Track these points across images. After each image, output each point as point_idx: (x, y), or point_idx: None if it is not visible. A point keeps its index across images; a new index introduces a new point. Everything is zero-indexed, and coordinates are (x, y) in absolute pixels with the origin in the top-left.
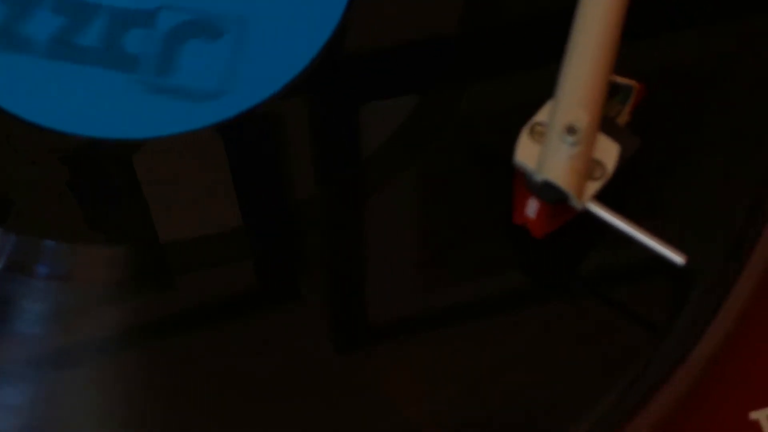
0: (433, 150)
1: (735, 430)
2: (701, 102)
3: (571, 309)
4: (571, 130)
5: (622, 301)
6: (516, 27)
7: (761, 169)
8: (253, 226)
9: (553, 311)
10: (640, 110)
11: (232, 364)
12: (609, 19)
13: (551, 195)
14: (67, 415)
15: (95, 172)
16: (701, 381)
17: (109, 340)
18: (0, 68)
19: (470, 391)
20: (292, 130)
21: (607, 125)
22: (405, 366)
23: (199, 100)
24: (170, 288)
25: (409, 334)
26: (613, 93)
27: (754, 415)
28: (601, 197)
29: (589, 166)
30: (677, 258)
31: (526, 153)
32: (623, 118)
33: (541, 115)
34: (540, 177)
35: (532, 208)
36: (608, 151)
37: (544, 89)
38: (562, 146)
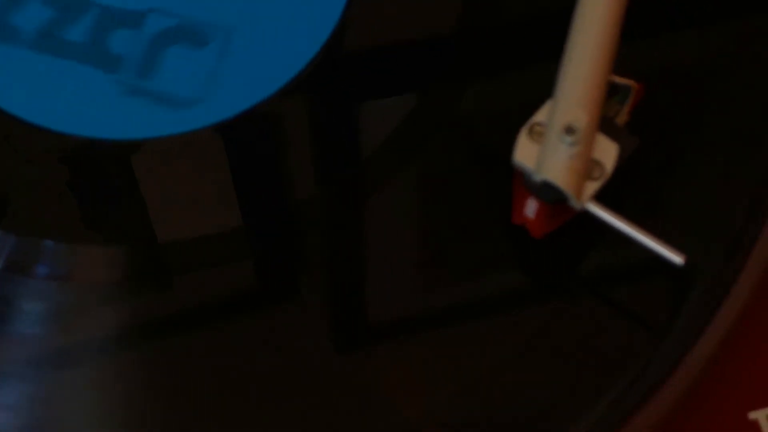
0: (433, 150)
1: (734, 429)
2: (700, 102)
3: (570, 309)
4: (569, 130)
5: (621, 301)
6: (515, 26)
7: (760, 169)
8: (253, 226)
9: (552, 311)
10: (638, 110)
11: (231, 364)
12: (608, 19)
13: (550, 195)
14: (66, 415)
15: (94, 172)
16: (700, 381)
17: (109, 340)
18: None
19: (470, 391)
20: (291, 130)
21: (605, 125)
22: (405, 366)
23: (175, 107)
24: (169, 288)
25: (409, 334)
26: (611, 93)
27: (753, 415)
28: (600, 197)
29: (588, 166)
30: (676, 258)
31: (525, 153)
32: (622, 118)
33: (540, 115)
34: (539, 177)
35: (531, 208)
36: (607, 151)
37: (544, 89)
38: (561, 146)
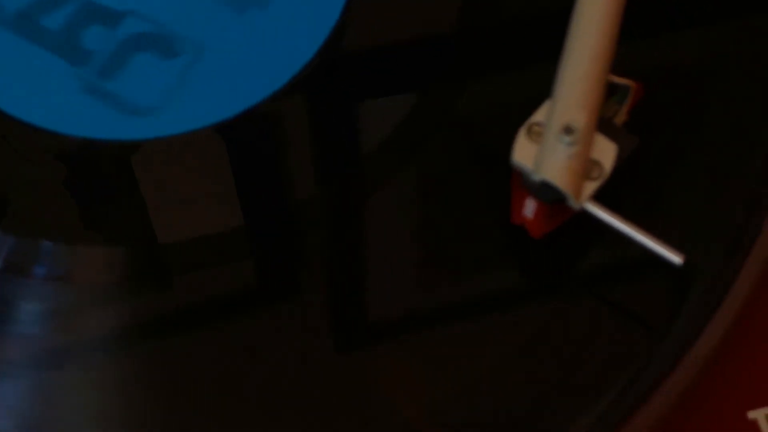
0: (432, 150)
1: (733, 429)
2: (699, 101)
3: (569, 309)
4: (568, 130)
5: (620, 301)
6: (515, 26)
7: (759, 169)
8: (253, 226)
9: (552, 311)
10: (637, 110)
11: (231, 364)
12: (606, 19)
13: (549, 195)
14: (66, 416)
15: (93, 172)
16: (699, 380)
17: (109, 340)
18: None
19: (470, 391)
20: (291, 130)
21: (604, 125)
22: (405, 366)
23: (127, 112)
24: (169, 288)
25: (409, 334)
26: (610, 93)
27: (752, 414)
28: (599, 197)
29: (587, 166)
30: (675, 258)
31: (523, 153)
32: (621, 118)
33: (539, 115)
34: (537, 177)
35: (529, 208)
36: (606, 151)
37: (544, 88)
38: (559, 146)
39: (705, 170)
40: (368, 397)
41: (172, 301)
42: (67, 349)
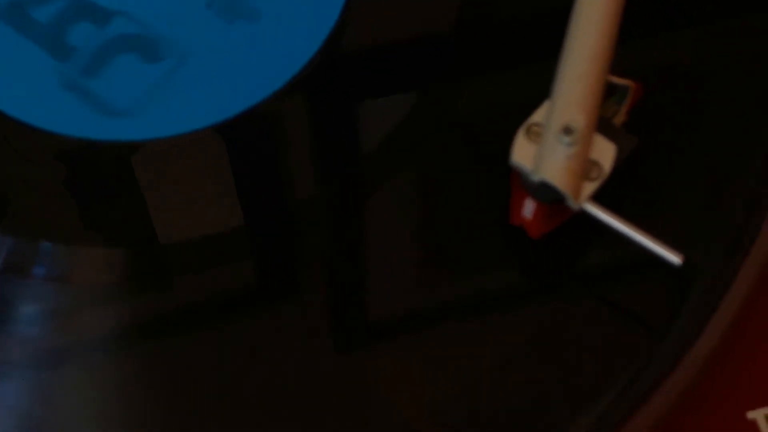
0: (432, 149)
1: (732, 429)
2: (697, 102)
3: (568, 309)
4: (567, 130)
5: (619, 301)
6: (514, 25)
7: (758, 169)
8: (253, 226)
9: (551, 311)
10: (636, 110)
11: (231, 364)
12: (605, 20)
13: (548, 195)
14: (65, 416)
15: (93, 173)
16: (699, 380)
17: (109, 341)
18: None
19: (470, 390)
20: (291, 130)
21: (603, 125)
22: (405, 366)
23: (102, 113)
24: (169, 288)
25: (409, 333)
26: (609, 93)
27: (752, 414)
28: (598, 197)
29: (586, 167)
30: (674, 258)
31: (522, 153)
32: (620, 119)
33: (538, 116)
34: (537, 177)
35: (528, 208)
36: (605, 152)
37: (543, 88)
38: (558, 147)
39: (704, 170)
40: (368, 397)
41: (172, 301)
42: (67, 349)
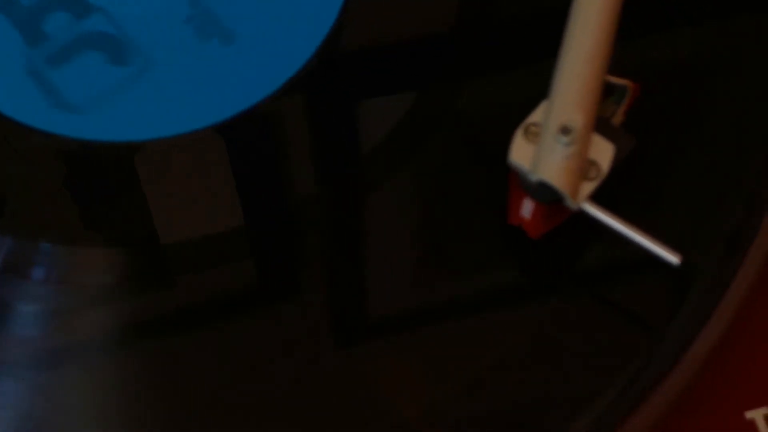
0: (431, 149)
1: (731, 429)
2: (696, 101)
3: (567, 309)
4: (565, 130)
5: (618, 301)
6: (514, 25)
7: (756, 169)
8: (253, 226)
9: (550, 311)
10: (634, 110)
11: (231, 364)
12: (603, 19)
13: (546, 195)
14: (67, 416)
15: (93, 173)
16: (697, 380)
17: (109, 341)
18: None
19: (470, 390)
20: (290, 130)
21: (602, 125)
22: (405, 366)
23: (53, 104)
24: (169, 288)
25: (408, 333)
26: (607, 93)
27: (750, 414)
28: (597, 197)
29: (584, 167)
30: (672, 258)
31: (520, 153)
32: (618, 118)
33: (536, 116)
34: (535, 177)
35: (527, 208)
36: (603, 152)
37: (542, 88)
38: (556, 146)
39: (702, 170)
40: (368, 397)
41: (172, 301)
42: (67, 349)
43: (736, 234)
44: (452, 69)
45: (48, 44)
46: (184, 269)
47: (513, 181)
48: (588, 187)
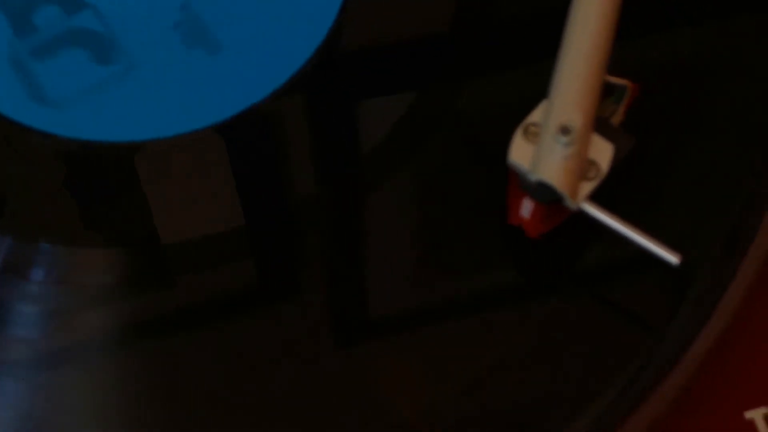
0: (431, 149)
1: (730, 429)
2: (695, 101)
3: (567, 309)
4: (565, 130)
5: (618, 301)
6: (513, 25)
7: (756, 168)
8: (253, 226)
9: (549, 311)
10: (634, 110)
11: (231, 364)
12: (603, 19)
13: (546, 195)
14: (67, 417)
15: (93, 173)
16: (697, 380)
17: (109, 341)
18: None
19: (469, 390)
20: (290, 130)
21: (601, 125)
22: (404, 365)
23: (32, 97)
24: (169, 288)
25: (408, 333)
26: (607, 93)
27: (749, 414)
28: (596, 197)
29: (584, 167)
30: (672, 258)
31: (520, 153)
32: (617, 118)
33: (535, 116)
34: (534, 177)
35: (526, 208)
36: (602, 152)
37: (542, 88)
38: (556, 146)
39: (702, 170)
40: (368, 396)
41: (172, 301)
42: (67, 349)
43: (735, 234)
44: (452, 69)
45: (35, 36)
46: (184, 269)
47: (512, 181)
48: (587, 187)
